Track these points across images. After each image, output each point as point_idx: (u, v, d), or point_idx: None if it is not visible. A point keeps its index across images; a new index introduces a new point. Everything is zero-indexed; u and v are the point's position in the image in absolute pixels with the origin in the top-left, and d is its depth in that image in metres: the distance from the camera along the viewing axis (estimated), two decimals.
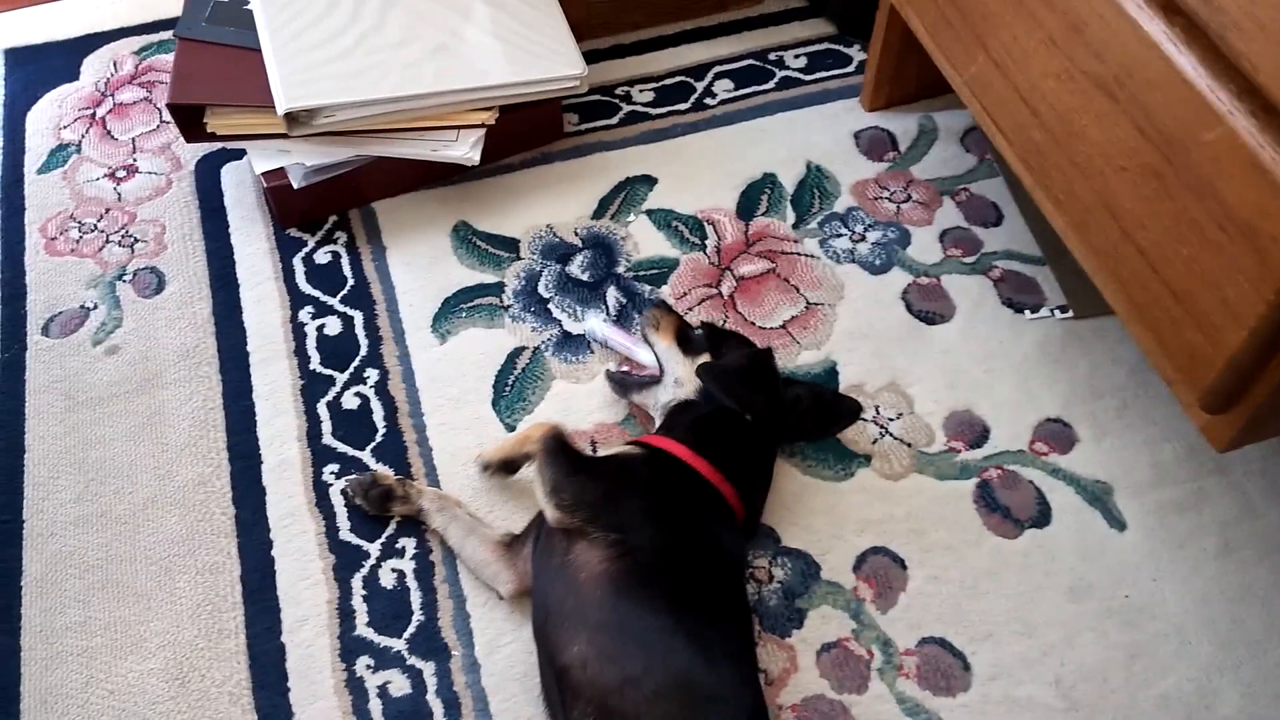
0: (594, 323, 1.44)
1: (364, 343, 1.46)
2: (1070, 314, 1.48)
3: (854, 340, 1.46)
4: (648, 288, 1.52)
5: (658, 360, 1.33)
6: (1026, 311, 1.49)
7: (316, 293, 1.51)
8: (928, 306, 1.50)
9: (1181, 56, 0.99)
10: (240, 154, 1.66)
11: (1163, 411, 1.39)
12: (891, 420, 1.39)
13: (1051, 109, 1.20)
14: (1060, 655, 1.20)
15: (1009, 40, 1.25)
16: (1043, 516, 1.31)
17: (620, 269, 1.54)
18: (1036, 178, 1.27)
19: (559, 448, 1.19)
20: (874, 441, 1.37)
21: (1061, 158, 1.20)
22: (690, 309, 1.49)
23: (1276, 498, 1.32)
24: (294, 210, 1.56)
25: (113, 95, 1.77)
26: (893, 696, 1.17)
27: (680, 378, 1.29)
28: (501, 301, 1.50)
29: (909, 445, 1.36)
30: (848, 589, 1.25)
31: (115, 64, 1.82)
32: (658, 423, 1.30)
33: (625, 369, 1.38)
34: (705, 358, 1.28)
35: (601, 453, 1.27)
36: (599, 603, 1.06)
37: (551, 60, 1.55)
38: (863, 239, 1.58)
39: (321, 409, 1.39)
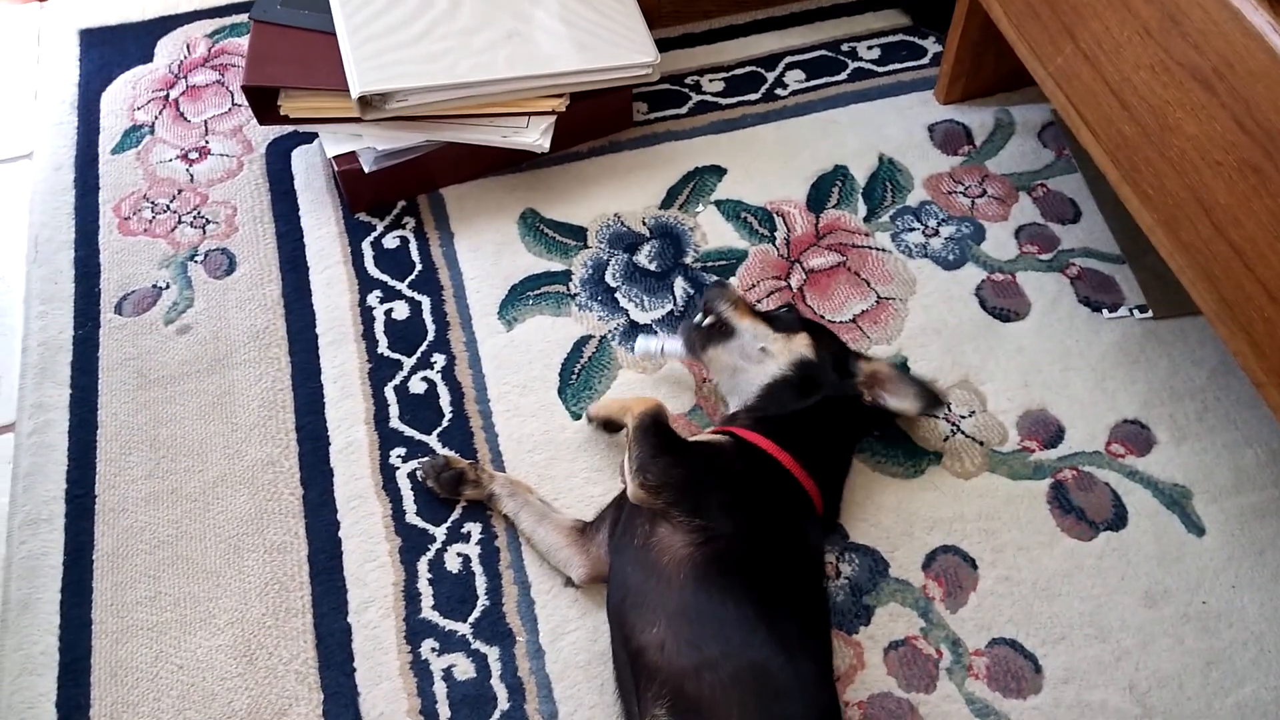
0: (646, 343, 1.39)
1: (431, 328, 1.46)
2: (1149, 314, 1.44)
3: (926, 336, 1.44)
4: (716, 278, 1.50)
5: (743, 338, 1.28)
6: (1104, 310, 1.45)
7: (385, 277, 1.52)
8: (1002, 303, 1.47)
9: None
10: (310, 138, 1.67)
11: (1245, 415, 1.35)
12: (964, 418, 1.36)
13: (1143, 102, 1.17)
14: (1135, 660, 1.18)
15: (1100, 31, 1.22)
16: (1119, 519, 1.28)
17: (688, 259, 1.53)
18: (1124, 172, 1.23)
19: (653, 426, 1.18)
20: (945, 439, 1.34)
21: (1152, 152, 1.17)
22: (759, 301, 1.48)
23: None
24: (364, 194, 1.57)
25: (186, 77, 1.79)
26: (961, 697, 1.16)
27: (772, 349, 1.26)
28: (568, 290, 1.50)
29: (981, 444, 1.34)
30: (916, 587, 1.23)
31: (189, 46, 1.84)
32: (732, 407, 1.29)
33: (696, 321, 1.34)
34: (802, 338, 1.27)
35: (692, 438, 1.26)
36: (681, 586, 1.06)
37: (624, 47, 1.54)
38: (936, 233, 1.55)
39: (389, 392, 1.40)
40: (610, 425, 1.31)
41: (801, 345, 1.26)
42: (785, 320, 1.30)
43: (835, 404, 1.24)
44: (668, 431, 1.19)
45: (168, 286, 1.52)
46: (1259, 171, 1.02)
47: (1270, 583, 1.23)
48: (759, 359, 1.26)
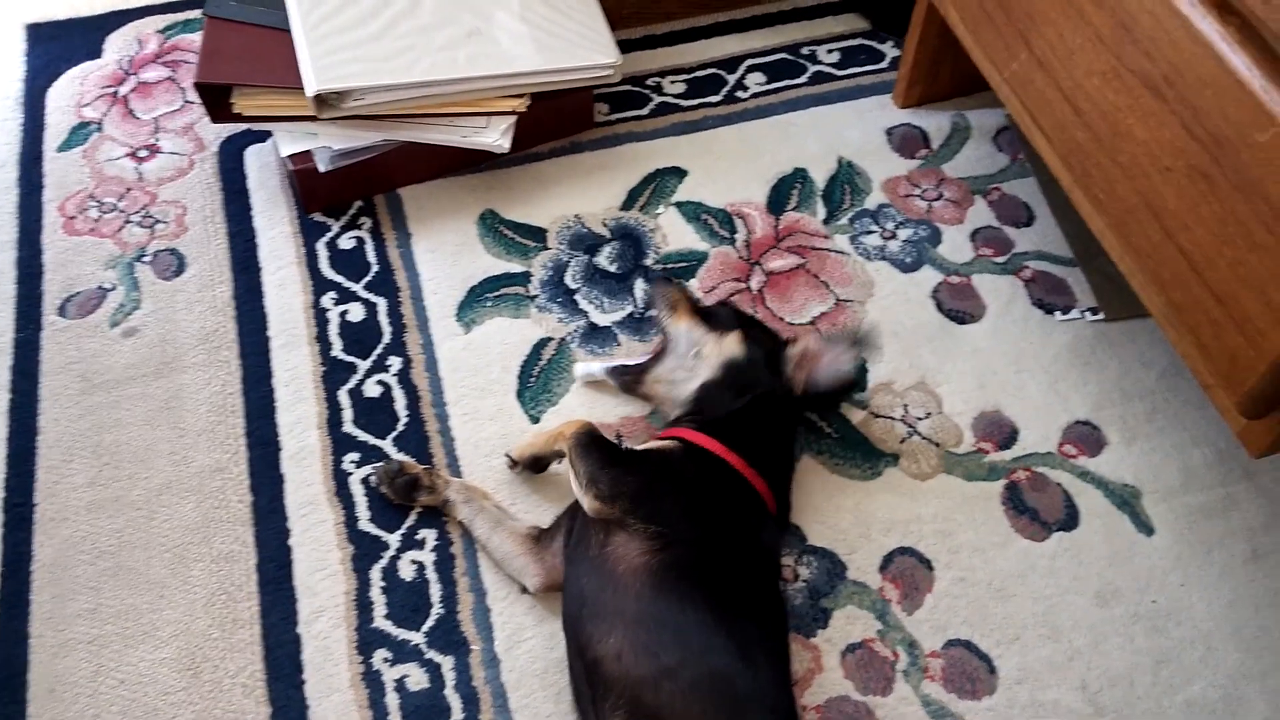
0: (584, 367, 1.39)
1: (387, 330, 1.44)
2: (1101, 316, 1.46)
3: (883, 338, 1.44)
4: (659, 275, 1.50)
5: (679, 342, 1.30)
6: (1057, 313, 1.47)
7: (340, 278, 1.49)
8: (958, 306, 1.48)
9: (1235, 56, 0.98)
10: (264, 136, 1.64)
11: (1193, 416, 1.37)
12: (920, 419, 1.37)
13: (1095, 108, 1.18)
14: (1087, 660, 1.19)
15: (1054, 37, 1.23)
16: (1071, 519, 1.29)
17: (648, 261, 1.52)
18: (1076, 177, 1.25)
19: (591, 442, 1.18)
20: (902, 440, 1.35)
21: (1104, 157, 1.18)
22: (720, 302, 1.47)
23: None
24: (319, 194, 1.54)
25: (136, 74, 1.75)
26: (918, 699, 1.16)
27: (705, 352, 1.26)
28: (528, 291, 1.48)
29: (937, 445, 1.35)
30: (874, 589, 1.23)
31: (139, 42, 1.80)
32: (673, 414, 1.28)
33: (622, 363, 1.36)
34: (734, 336, 1.27)
35: (635, 447, 1.25)
36: (637, 594, 1.05)
37: (585, 48, 1.53)
38: (894, 236, 1.56)
39: (343, 396, 1.38)
40: (537, 464, 1.29)
41: (732, 345, 1.26)
42: (720, 317, 1.30)
43: (771, 400, 1.24)
44: (608, 444, 1.19)
45: (114, 288, 1.48)
46: (1207, 178, 1.04)
47: (1217, 581, 1.25)
48: (692, 364, 1.27)
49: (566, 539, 1.18)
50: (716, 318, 1.30)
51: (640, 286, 1.49)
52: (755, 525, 1.16)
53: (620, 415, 1.36)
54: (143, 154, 1.64)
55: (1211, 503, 1.31)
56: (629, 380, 1.34)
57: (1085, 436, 1.36)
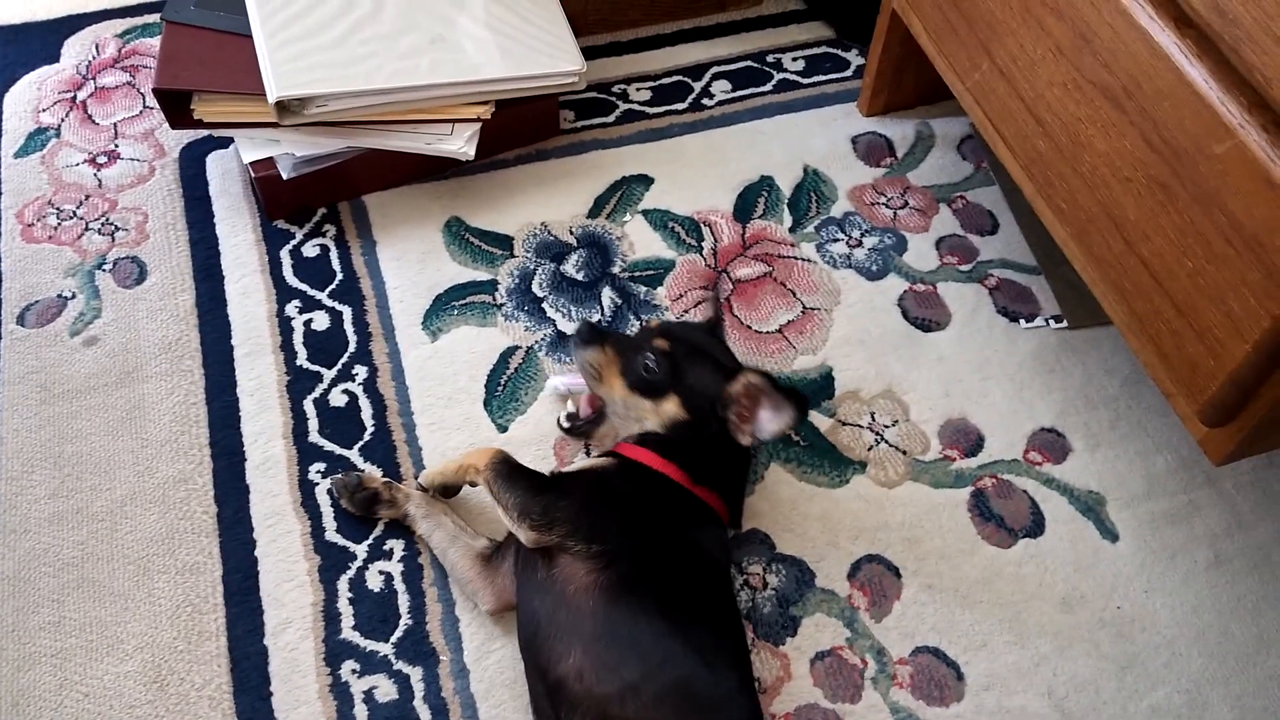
0: (554, 381, 1.38)
1: (352, 339, 1.43)
2: (1065, 324, 1.48)
3: (850, 346, 1.45)
4: (643, 289, 1.50)
5: (615, 405, 1.23)
6: (1021, 320, 1.49)
7: (304, 286, 1.48)
8: (924, 314, 1.49)
9: (1192, 69, 0.99)
10: (226, 142, 1.62)
11: (1156, 423, 1.39)
12: (887, 427, 1.38)
13: (1057, 118, 1.19)
14: (1053, 666, 1.20)
15: (1015, 48, 1.24)
16: (1036, 526, 1.30)
17: (615, 269, 1.52)
18: (1038, 187, 1.26)
19: (509, 471, 1.15)
20: (869, 448, 1.36)
21: (1065, 167, 1.20)
22: (686, 311, 1.48)
23: (1267, 511, 1.33)
24: (282, 201, 1.52)
25: (94, 79, 1.72)
26: (886, 706, 1.17)
27: (646, 422, 1.20)
28: (494, 300, 1.48)
29: (904, 453, 1.36)
30: (842, 597, 1.24)
31: (97, 46, 1.77)
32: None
33: (573, 410, 1.31)
34: (671, 400, 1.17)
35: (567, 469, 1.24)
36: (591, 613, 1.04)
37: (549, 55, 1.52)
38: (859, 244, 1.57)
39: (308, 406, 1.36)
40: (447, 490, 1.27)
41: (670, 409, 1.18)
42: (654, 382, 1.18)
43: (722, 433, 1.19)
44: (527, 471, 1.16)
45: (74, 296, 1.46)
46: (1166, 188, 1.05)
47: (1180, 587, 1.26)
48: (635, 420, 1.21)
49: (515, 560, 1.17)
50: (650, 380, 1.18)
51: (608, 295, 1.48)
52: (700, 534, 1.15)
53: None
54: (102, 160, 1.61)
55: (1174, 509, 1.33)
56: (578, 429, 1.30)
57: (1050, 444, 1.37)
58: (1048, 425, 1.39)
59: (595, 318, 1.46)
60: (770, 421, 1.13)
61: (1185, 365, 1.09)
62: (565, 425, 1.29)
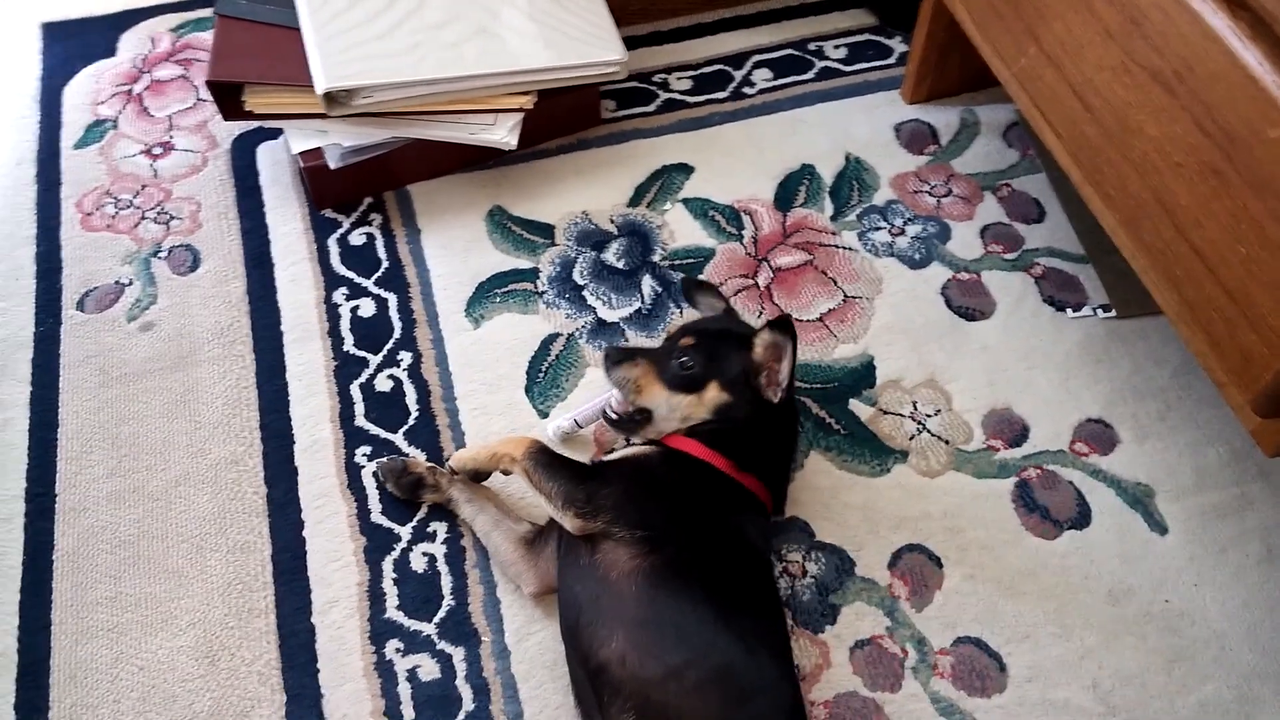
0: (558, 423, 1.33)
1: (398, 325, 1.45)
2: (1113, 313, 1.45)
3: (892, 335, 1.44)
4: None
5: (658, 408, 1.22)
6: (1068, 310, 1.47)
7: (351, 274, 1.50)
8: (968, 302, 1.48)
9: (1247, 51, 0.97)
10: (276, 133, 1.66)
11: (1207, 414, 1.37)
12: (929, 416, 1.37)
13: (1106, 103, 1.17)
14: (1099, 659, 1.19)
15: (1063, 32, 1.22)
16: (1082, 518, 1.29)
17: (656, 257, 1.53)
18: (1087, 173, 1.24)
19: (548, 459, 1.17)
20: (911, 438, 1.35)
21: (1114, 153, 1.18)
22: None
23: None
24: (329, 191, 1.55)
25: (150, 72, 1.77)
26: (927, 696, 1.16)
27: (688, 415, 1.20)
28: (536, 287, 1.49)
29: (947, 442, 1.35)
30: (882, 586, 1.23)
31: (153, 40, 1.81)
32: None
33: (614, 406, 1.27)
34: (712, 387, 1.19)
35: (608, 456, 1.25)
36: (635, 598, 1.05)
37: (591, 45, 1.53)
38: (902, 233, 1.56)
39: (354, 390, 1.39)
40: (478, 475, 1.28)
41: (713, 396, 1.19)
42: (692, 377, 1.19)
43: (765, 413, 1.20)
44: (566, 459, 1.18)
45: (130, 283, 1.50)
46: (1219, 174, 1.03)
47: (1231, 581, 1.24)
48: (682, 419, 1.21)
49: (558, 545, 1.18)
50: (688, 376, 1.19)
51: (648, 284, 1.49)
52: (742, 521, 1.15)
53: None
54: (157, 151, 1.65)
55: (1225, 502, 1.30)
56: (623, 424, 1.26)
57: (1097, 434, 1.35)
58: (1095, 416, 1.37)
59: (635, 306, 1.47)
60: (785, 365, 1.16)
61: (1238, 354, 1.06)
62: (612, 417, 1.26)
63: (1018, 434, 1.35)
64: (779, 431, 1.23)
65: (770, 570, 1.18)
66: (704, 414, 1.19)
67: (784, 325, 1.15)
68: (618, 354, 1.25)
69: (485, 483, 1.30)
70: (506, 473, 1.23)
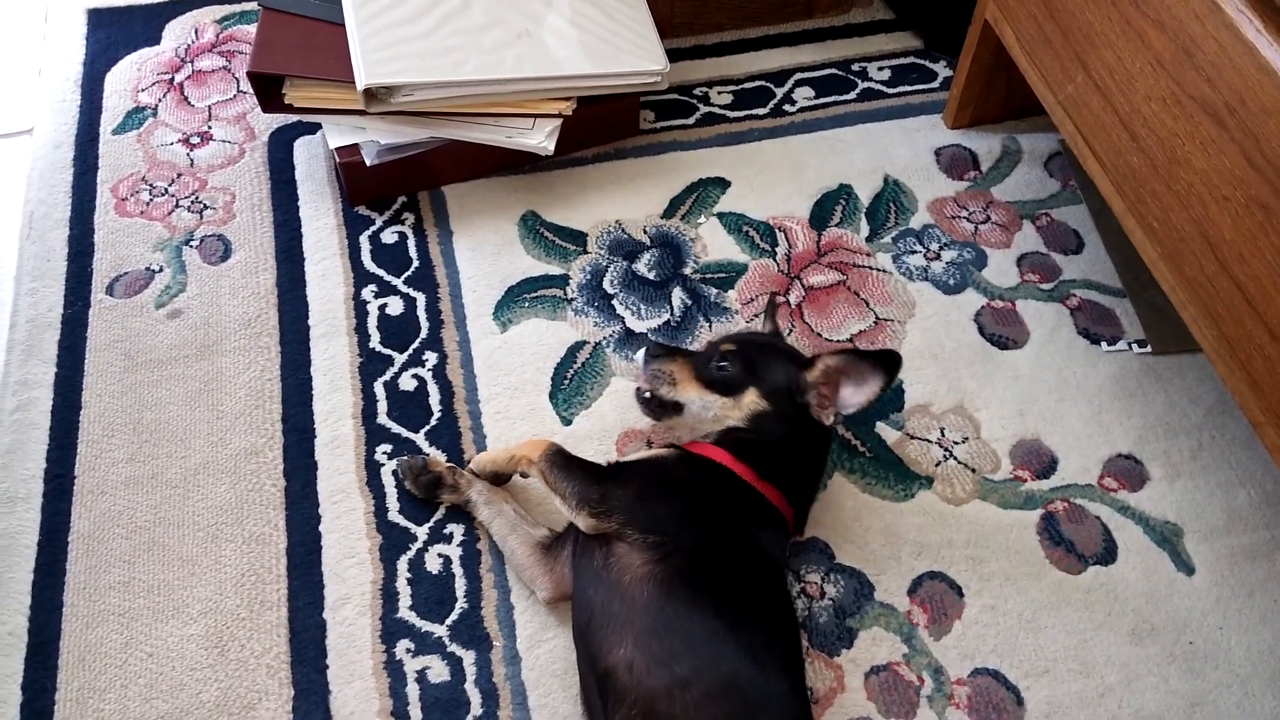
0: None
1: (425, 325, 1.45)
2: (1149, 349, 1.43)
3: (922, 359, 1.43)
4: (714, 291, 1.50)
5: (692, 406, 1.22)
6: (1103, 343, 1.45)
7: (381, 272, 1.50)
8: (1001, 331, 1.46)
9: None
10: (313, 128, 1.66)
11: (1240, 455, 1.34)
12: (957, 444, 1.35)
13: (1153, 134, 1.16)
14: (1119, 698, 1.16)
15: (1112, 61, 1.21)
16: (1108, 554, 1.26)
17: (687, 270, 1.52)
18: (1130, 204, 1.23)
19: (565, 461, 1.17)
20: (937, 464, 1.33)
21: (1159, 184, 1.16)
22: (756, 315, 1.47)
23: None
24: (364, 188, 1.55)
25: (192, 62, 1.78)
26: None
27: (721, 415, 1.20)
28: (565, 294, 1.48)
29: (973, 470, 1.33)
30: (901, 612, 1.21)
31: (197, 31, 1.83)
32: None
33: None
34: (750, 393, 1.18)
35: (626, 458, 1.24)
36: (645, 605, 1.04)
37: (634, 55, 1.53)
38: (937, 257, 1.54)
39: (378, 388, 1.38)
40: (499, 478, 1.28)
41: (750, 402, 1.18)
42: (729, 378, 1.20)
43: (804, 427, 1.19)
44: (582, 461, 1.18)
45: (161, 270, 1.50)
46: (1266, 209, 1.01)
47: (1258, 625, 1.21)
48: (715, 420, 1.21)
49: (574, 547, 1.17)
50: (726, 378, 1.20)
51: (679, 296, 1.48)
52: (758, 532, 1.13)
53: (652, 422, 1.35)
54: (195, 140, 1.66)
55: (1255, 545, 1.28)
56: (655, 407, 1.25)
57: (1127, 470, 1.33)
58: (1125, 451, 1.35)
59: (665, 318, 1.46)
60: (855, 394, 1.15)
61: (1277, 392, 1.04)
62: (645, 395, 1.25)
63: (1046, 466, 1.33)
64: (810, 450, 1.22)
65: (784, 582, 1.17)
66: (739, 418, 1.19)
67: (892, 363, 1.13)
68: (657, 348, 1.26)
69: (505, 486, 1.29)
70: (525, 475, 1.23)
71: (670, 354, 1.25)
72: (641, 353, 1.27)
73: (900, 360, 1.14)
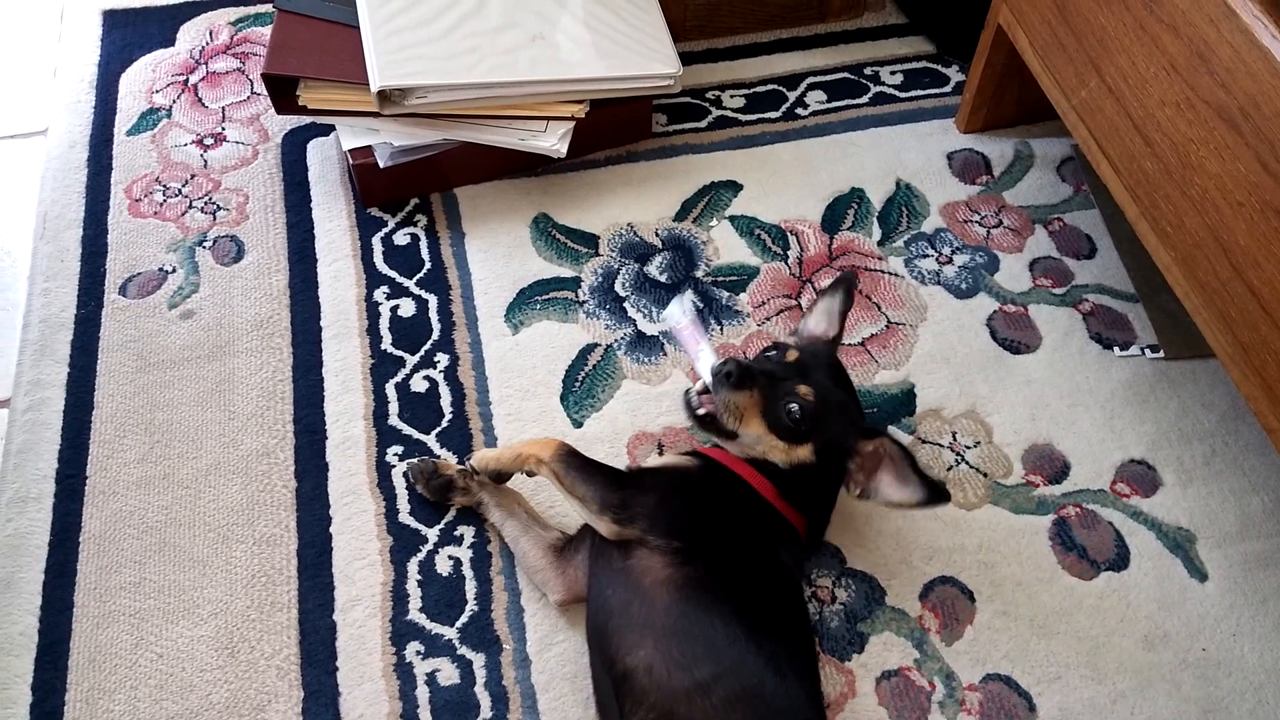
0: (676, 308, 1.24)
1: (436, 327, 1.45)
2: (1161, 354, 1.43)
3: (934, 363, 1.42)
4: (726, 294, 1.49)
5: (747, 434, 1.14)
6: (1116, 348, 1.44)
7: (393, 273, 1.51)
8: (1013, 335, 1.46)
9: None
10: (327, 130, 1.67)
11: (1253, 461, 1.34)
12: (968, 448, 1.35)
13: (1166, 138, 1.16)
14: (1131, 704, 1.16)
15: (1126, 66, 1.21)
16: (1121, 560, 1.26)
17: (699, 273, 1.52)
18: (1143, 209, 1.22)
19: (583, 463, 1.14)
20: (949, 469, 1.33)
21: (1173, 189, 1.16)
22: (768, 318, 1.46)
23: None
24: (377, 190, 1.56)
25: (206, 63, 1.79)
26: None
27: (768, 452, 1.13)
28: (577, 297, 1.48)
29: (985, 475, 1.32)
30: (912, 617, 1.21)
31: (211, 33, 1.84)
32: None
33: (700, 394, 1.17)
34: (806, 448, 1.11)
35: (647, 464, 1.23)
36: (666, 608, 1.04)
37: (647, 58, 1.53)
38: (949, 261, 1.54)
39: (390, 389, 1.39)
40: (500, 476, 1.25)
41: (802, 455, 1.12)
42: (794, 432, 1.11)
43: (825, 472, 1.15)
44: (598, 464, 1.15)
45: (174, 270, 1.51)
46: None
47: (1272, 633, 1.21)
48: (761, 453, 1.14)
49: (590, 551, 1.17)
50: (792, 430, 1.11)
51: (689, 298, 1.48)
52: (775, 545, 1.13)
53: (663, 425, 1.36)
54: (209, 142, 1.67)
55: (1269, 551, 1.27)
56: (706, 421, 1.16)
57: (1139, 476, 1.33)
58: (1138, 457, 1.34)
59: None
60: (889, 488, 1.08)
61: None
62: (697, 410, 1.15)
63: (1058, 471, 1.33)
64: (830, 478, 1.15)
65: (802, 595, 1.16)
66: (780, 460, 1.13)
67: (936, 494, 1.06)
68: (740, 375, 1.11)
69: (513, 487, 1.28)
70: (531, 474, 1.21)
71: (745, 384, 1.11)
72: (713, 363, 1.14)
73: (946, 499, 1.07)
